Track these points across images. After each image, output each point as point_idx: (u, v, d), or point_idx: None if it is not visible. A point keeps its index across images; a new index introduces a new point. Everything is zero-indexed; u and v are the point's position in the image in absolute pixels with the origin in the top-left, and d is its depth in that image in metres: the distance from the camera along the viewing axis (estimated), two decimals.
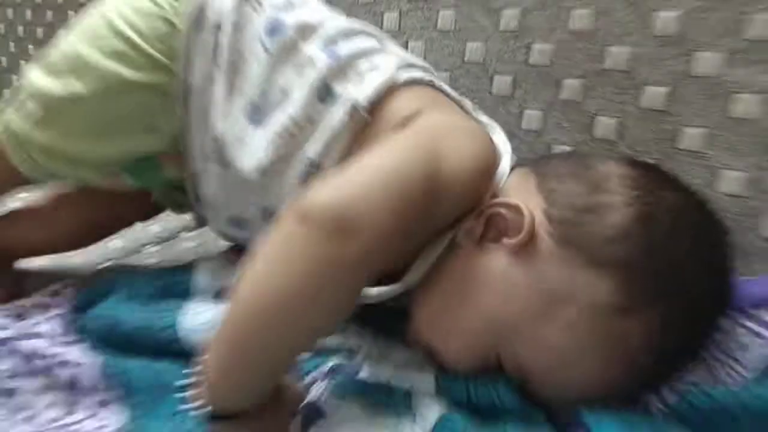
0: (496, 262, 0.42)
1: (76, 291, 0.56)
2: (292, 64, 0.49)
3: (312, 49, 0.49)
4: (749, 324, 0.43)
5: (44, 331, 0.50)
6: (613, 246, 0.39)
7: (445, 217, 0.43)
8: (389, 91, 0.48)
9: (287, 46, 0.50)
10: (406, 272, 0.44)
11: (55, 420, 0.45)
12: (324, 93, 0.48)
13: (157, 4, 0.52)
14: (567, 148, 0.63)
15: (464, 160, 0.42)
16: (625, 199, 0.40)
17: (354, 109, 0.46)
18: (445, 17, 0.70)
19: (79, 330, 0.50)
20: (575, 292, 0.39)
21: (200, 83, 0.51)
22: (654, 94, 0.57)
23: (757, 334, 0.42)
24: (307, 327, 0.37)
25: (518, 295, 0.41)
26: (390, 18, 0.73)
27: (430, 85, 0.51)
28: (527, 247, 0.41)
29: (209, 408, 0.37)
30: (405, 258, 0.44)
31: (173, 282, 0.54)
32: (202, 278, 0.54)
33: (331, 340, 0.46)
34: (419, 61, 0.53)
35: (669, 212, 0.40)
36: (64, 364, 0.47)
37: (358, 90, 0.47)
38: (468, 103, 0.54)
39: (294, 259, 0.35)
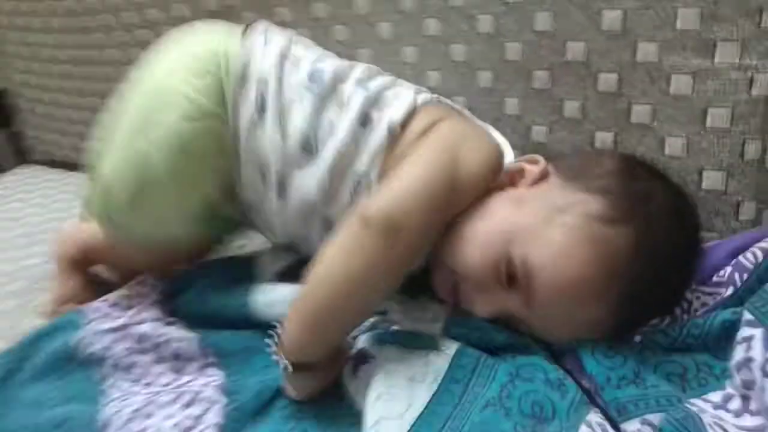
0: (515, 190, 0.55)
1: (156, 285, 0.67)
2: (335, 102, 0.59)
3: (349, 88, 0.60)
4: (705, 288, 0.55)
5: (146, 318, 0.62)
6: (604, 180, 0.52)
7: (463, 207, 0.55)
8: (413, 111, 0.59)
9: (329, 88, 0.60)
10: None
11: (168, 384, 0.57)
12: (364, 119, 0.58)
13: (207, 64, 0.60)
14: (542, 128, 0.74)
15: (475, 164, 0.55)
16: (613, 162, 0.54)
17: (390, 129, 0.57)
18: (431, 25, 0.79)
19: (175, 314, 0.63)
20: (573, 205, 0.51)
21: (247, 127, 0.59)
22: (607, 80, 0.68)
23: (710, 294, 0.55)
24: (369, 299, 0.52)
25: (530, 206, 0.52)
26: (383, 27, 0.83)
27: (438, 102, 0.63)
28: (539, 181, 0.54)
29: (292, 361, 0.49)
30: None
31: (241, 270, 0.65)
32: (262, 265, 0.66)
33: None
34: (424, 89, 0.64)
35: (647, 170, 0.54)
36: (168, 341, 0.59)
37: (390, 113, 0.58)
38: (467, 112, 0.66)
39: (358, 251, 0.49)
